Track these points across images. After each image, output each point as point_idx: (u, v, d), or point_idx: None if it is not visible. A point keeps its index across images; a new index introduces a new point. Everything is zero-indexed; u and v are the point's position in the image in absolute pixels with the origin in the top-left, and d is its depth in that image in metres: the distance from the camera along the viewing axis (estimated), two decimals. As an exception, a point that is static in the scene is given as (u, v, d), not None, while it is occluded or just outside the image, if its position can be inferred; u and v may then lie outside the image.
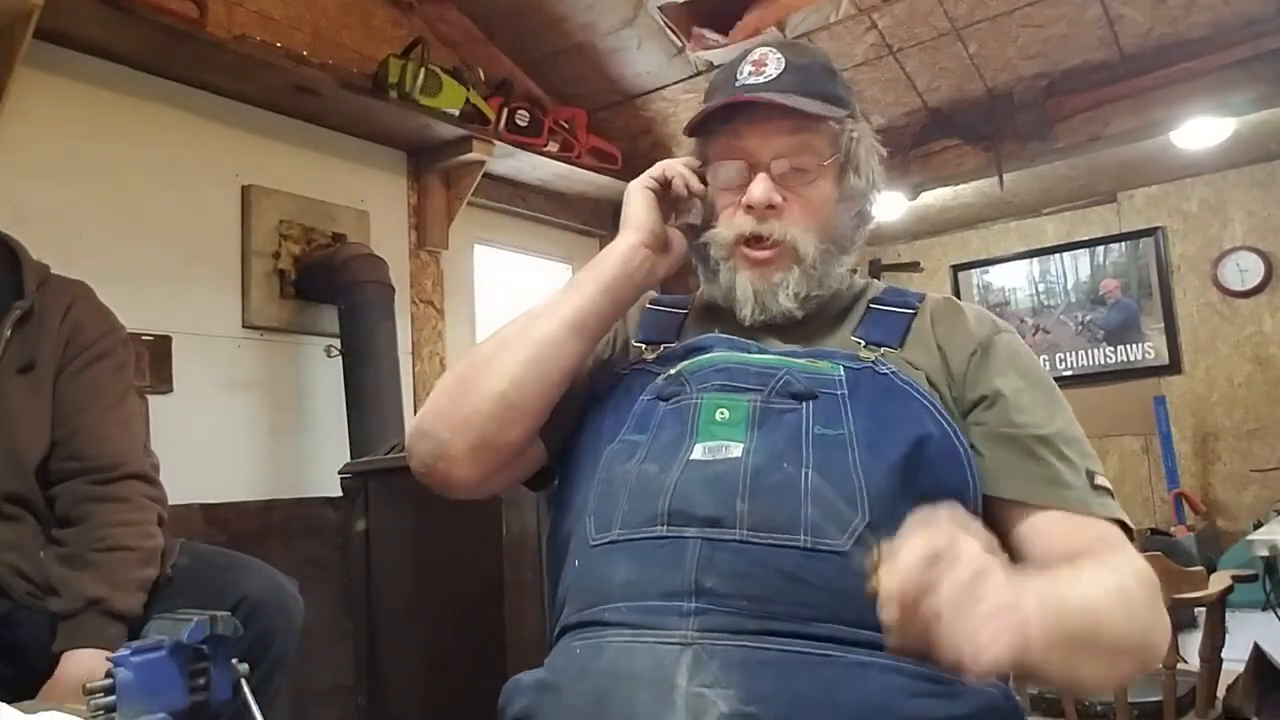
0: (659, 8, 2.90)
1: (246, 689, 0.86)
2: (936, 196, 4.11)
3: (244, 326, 2.51)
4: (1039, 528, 0.86)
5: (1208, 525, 3.94)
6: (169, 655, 0.82)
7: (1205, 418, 4.12)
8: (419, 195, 3.03)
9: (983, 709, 0.76)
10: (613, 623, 0.81)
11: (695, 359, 0.94)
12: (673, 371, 0.94)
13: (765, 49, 1.00)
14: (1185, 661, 2.05)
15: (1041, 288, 4.61)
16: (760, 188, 0.95)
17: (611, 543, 0.85)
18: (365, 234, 2.79)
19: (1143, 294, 4.33)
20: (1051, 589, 0.72)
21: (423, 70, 2.70)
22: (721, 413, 0.87)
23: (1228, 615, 1.80)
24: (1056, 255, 4.57)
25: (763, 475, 0.82)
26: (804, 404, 0.87)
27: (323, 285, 2.59)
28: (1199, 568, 1.72)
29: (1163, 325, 4.24)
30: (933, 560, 0.62)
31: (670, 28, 2.97)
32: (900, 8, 2.88)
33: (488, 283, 3.35)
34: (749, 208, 0.96)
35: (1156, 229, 4.28)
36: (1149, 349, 4.29)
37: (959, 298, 4.55)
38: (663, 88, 3.30)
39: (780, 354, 0.93)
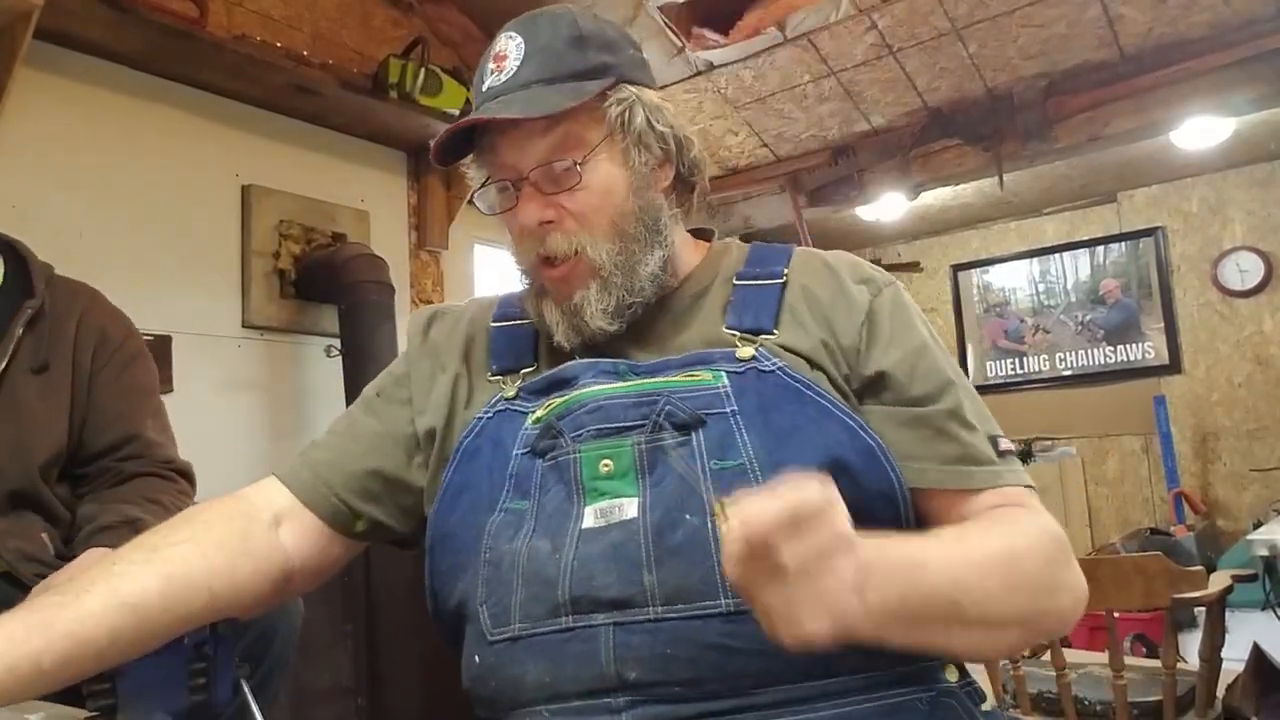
0: (659, 8, 2.90)
1: (246, 689, 0.86)
2: (936, 196, 4.12)
3: (244, 326, 2.51)
4: (950, 511, 0.80)
5: (1208, 525, 3.94)
6: (169, 655, 0.81)
7: (1205, 418, 4.12)
8: (419, 195, 3.03)
9: None
10: None
11: (563, 397, 0.84)
12: (540, 414, 0.84)
13: (506, 37, 0.87)
14: (1185, 661, 2.05)
15: (1041, 288, 4.62)
16: (525, 210, 0.85)
17: (512, 639, 0.77)
18: (365, 234, 2.79)
19: (1143, 294, 4.33)
20: (908, 566, 0.67)
21: (423, 70, 2.70)
22: (605, 464, 0.79)
23: (1228, 615, 1.80)
24: (1056, 255, 4.57)
25: (665, 535, 0.75)
26: (692, 434, 0.79)
27: (323, 285, 2.59)
28: (1199, 568, 1.72)
29: (1163, 325, 4.25)
30: (790, 524, 0.58)
31: (670, 28, 2.97)
32: (900, 8, 2.88)
33: (488, 283, 3.35)
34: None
35: (1156, 229, 4.28)
36: (1149, 349, 4.29)
37: (959, 298, 4.52)
38: (662, 88, 3.27)
39: (654, 370, 0.84)
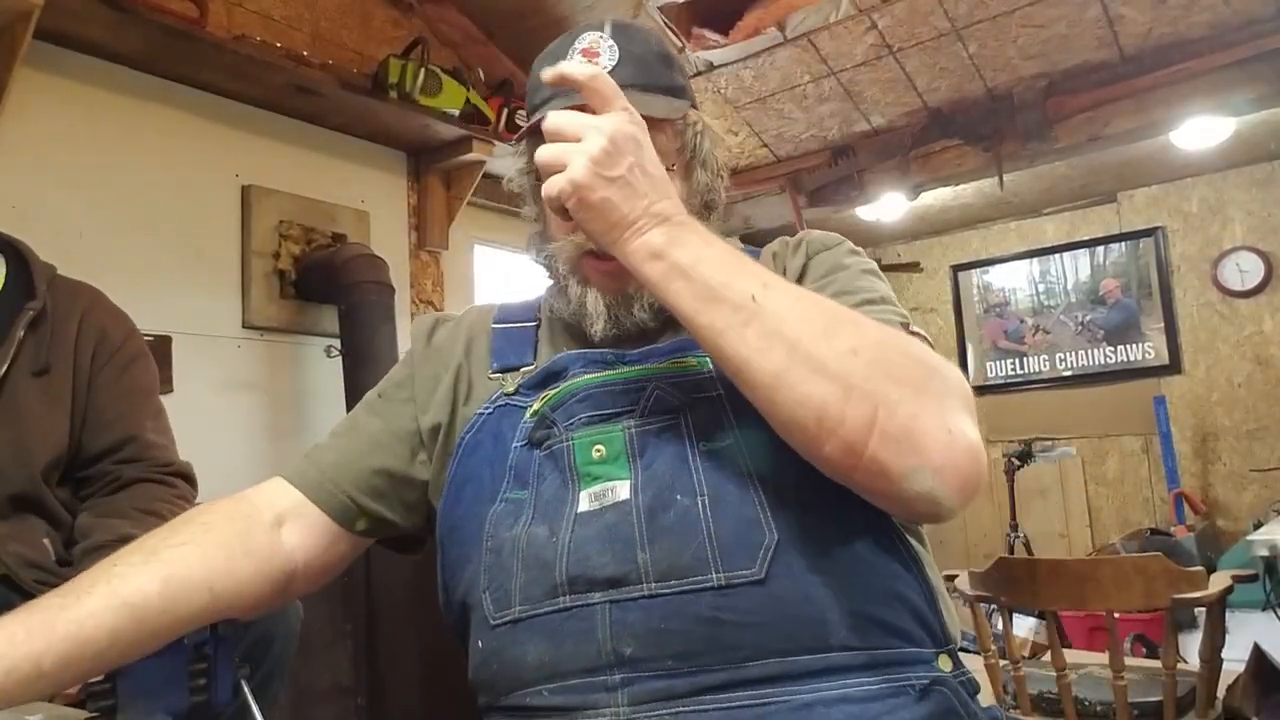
0: (659, 8, 2.90)
1: (247, 689, 0.86)
2: (936, 196, 4.12)
3: (244, 326, 2.51)
4: None
5: (1208, 525, 3.94)
6: (169, 656, 0.81)
7: (1205, 418, 4.12)
8: (419, 195, 3.03)
9: (935, 713, 0.74)
10: (538, 708, 0.77)
11: (556, 389, 0.87)
12: (535, 407, 0.87)
13: (596, 35, 0.91)
14: (1185, 662, 2.05)
15: (1041, 288, 4.62)
16: None
17: (514, 621, 0.79)
18: (365, 234, 2.79)
19: (1143, 294, 4.33)
20: (724, 246, 0.75)
21: (423, 70, 2.70)
22: (598, 449, 0.82)
23: (1228, 615, 1.80)
24: (1056, 255, 4.57)
25: (658, 515, 0.77)
26: (681, 417, 0.82)
27: (323, 285, 2.59)
28: (1199, 568, 1.72)
29: (1163, 325, 4.25)
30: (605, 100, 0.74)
31: (670, 27, 2.97)
32: (900, 8, 2.88)
33: (488, 283, 3.35)
34: None
35: (1156, 229, 4.28)
36: (1149, 349, 4.29)
37: (959, 298, 4.50)
38: (663, 88, 3.29)
39: (642, 358, 0.87)
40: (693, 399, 0.82)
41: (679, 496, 0.78)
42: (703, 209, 0.94)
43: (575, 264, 0.91)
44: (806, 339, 0.70)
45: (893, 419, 0.68)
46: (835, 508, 0.77)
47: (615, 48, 0.90)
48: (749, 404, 0.79)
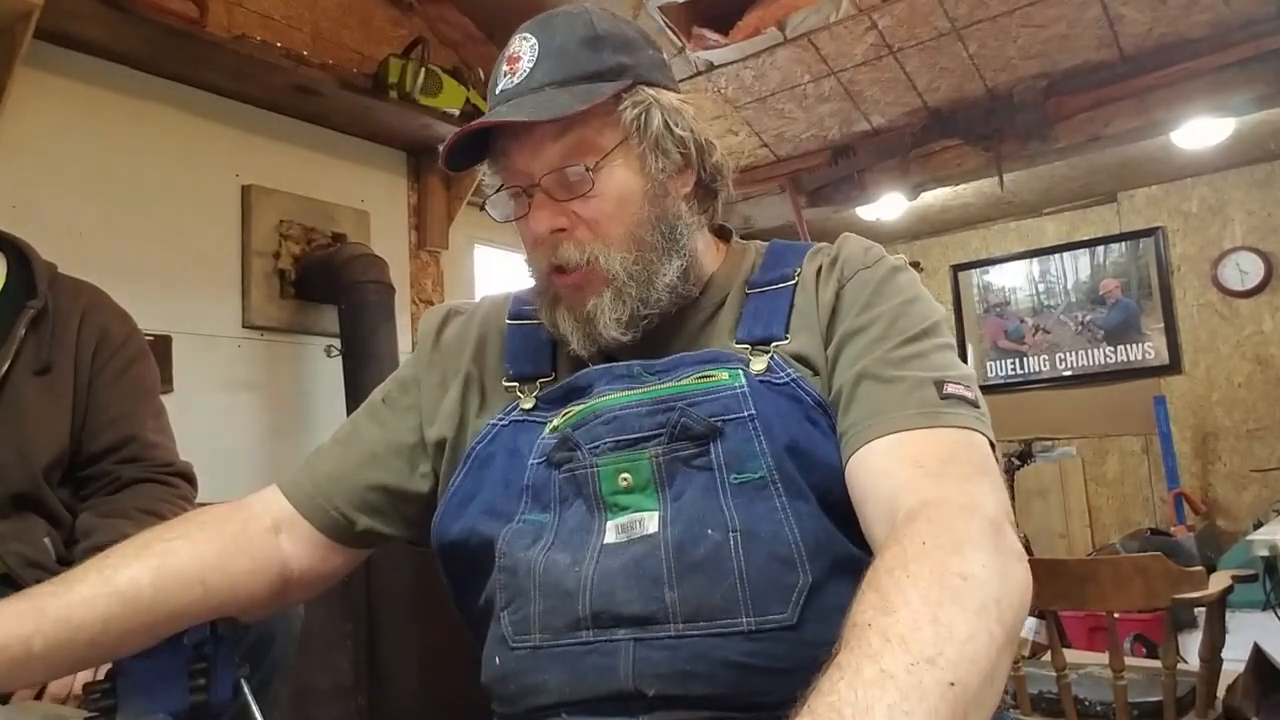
0: (659, 8, 2.90)
1: (247, 689, 0.86)
2: (936, 196, 4.12)
3: (244, 326, 2.51)
4: (868, 466, 0.73)
5: (1208, 525, 3.94)
6: (169, 655, 0.81)
7: (1205, 418, 4.12)
8: (419, 195, 3.03)
9: None
10: None
11: (578, 408, 0.83)
12: (556, 423, 0.83)
13: (520, 38, 0.85)
14: (1185, 662, 2.05)
15: (1041, 288, 4.61)
16: (537, 218, 0.83)
17: (534, 648, 0.77)
18: (365, 234, 2.79)
19: (1143, 294, 4.33)
20: None
21: (423, 70, 2.70)
22: (624, 478, 0.78)
23: (1228, 615, 1.80)
24: (1056, 255, 4.57)
25: (688, 551, 0.74)
26: (710, 445, 0.77)
27: (323, 285, 2.59)
28: (1199, 568, 1.72)
29: (1163, 325, 4.25)
30: None
31: (670, 28, 2.97)
32: (900, 8, 2.88)
33: (488, 283, 3.35)
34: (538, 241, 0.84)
35: (1156, 229, 4.28)
36: (1149, 349, 4.29)
37: (959, 298, 4.48)
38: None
39: (670, 368, 0.83)
40: (723, 422, 0.78)
41: (710, 531, 0.74)
42: (683, 200, 0.87)
43: (546, 281, 0.87)
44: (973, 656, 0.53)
45: (1006, 623, 0.58)
46: (869, 541, 0.74)
47: (535, 45, 0.83)
48: (782, 427, 0.77)
